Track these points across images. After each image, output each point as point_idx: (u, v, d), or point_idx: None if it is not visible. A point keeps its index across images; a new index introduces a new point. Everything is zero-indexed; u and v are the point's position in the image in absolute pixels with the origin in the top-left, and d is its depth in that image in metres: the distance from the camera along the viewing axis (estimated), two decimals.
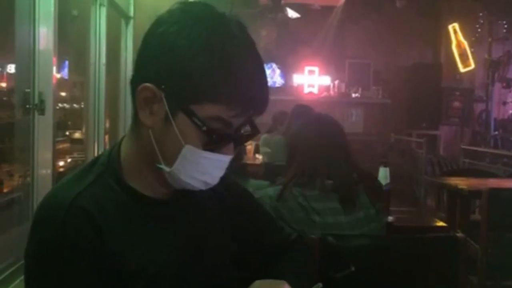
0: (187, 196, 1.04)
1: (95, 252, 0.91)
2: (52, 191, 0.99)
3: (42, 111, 2.69)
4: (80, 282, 0.90)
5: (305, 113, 4.47)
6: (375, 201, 1.97)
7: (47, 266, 0.90)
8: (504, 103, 8.43)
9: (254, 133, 1.01)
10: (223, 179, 1.01)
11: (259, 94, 0.95)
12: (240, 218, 1.17)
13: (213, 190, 1.02)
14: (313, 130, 2.08)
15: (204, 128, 0.91)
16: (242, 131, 0.98)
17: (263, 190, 1.98)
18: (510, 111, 8.38)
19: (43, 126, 2.73)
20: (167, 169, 0.95)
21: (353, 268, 0.82)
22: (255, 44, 0.96)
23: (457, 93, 8.58)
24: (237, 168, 3.25)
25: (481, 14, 8.15)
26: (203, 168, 0.95)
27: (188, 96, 0.90)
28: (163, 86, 0.91)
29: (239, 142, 0.99)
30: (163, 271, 0.98)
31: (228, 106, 0.91)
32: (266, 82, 0.97)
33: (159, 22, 0.94)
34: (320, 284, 0.82)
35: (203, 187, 0.99)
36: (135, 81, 0.95)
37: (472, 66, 8.35)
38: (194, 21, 0.92)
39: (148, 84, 0.92)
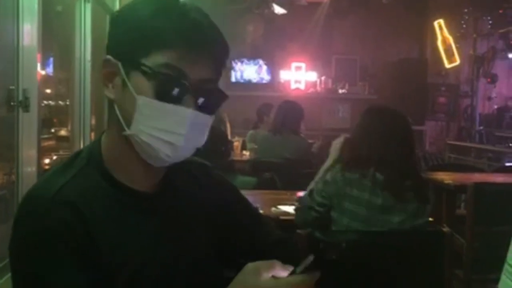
0: (171, 190, 1.04)
1: (80, 243, 0.91)
2: (34, 186, 0.98)
3: (26, 108, 2.65)
4: (66, 273, 0.89)
5: (291, 109, 4.48)
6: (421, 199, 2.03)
7: (33, 259, 0.90)
8: (489, 98, 8.49)
9: (221, 98, 0.99)
10: (210, 175, 1.00)
11: (210, 37, 0.94)
12: (227, 214, 1.16)
13: (200, 185, 1.02)
14: (374, 119, 2.13)
15: (150, 72, 0.90)
16: (205, 88, 0.95)
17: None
18: (495, 106, 8.45)
19: (28, 123, 2.70)
20: (128, 131, 0.94)
21: (344, 244, 0.81)
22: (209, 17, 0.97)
23: (443, 88, 8.63)
24: (225, 164, 3.24)
25: (466, 10, 8.20)
26: (162, 124, 0.92)
27: (138, 50, 0.92)
28: (118, 53, 0.95)
29: (199, 94, 0.94)
30: (147, 264, 0.97)
31: (175, 50, 0.91)
32: (215, 26, 0.96)
33: (123, 6, 0.99)
34: (312, 257, 0.81)
35: (169, 153, 0.94)
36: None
37: (458, 61, 8.40)
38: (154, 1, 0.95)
39: (108, 56, 0.96)
